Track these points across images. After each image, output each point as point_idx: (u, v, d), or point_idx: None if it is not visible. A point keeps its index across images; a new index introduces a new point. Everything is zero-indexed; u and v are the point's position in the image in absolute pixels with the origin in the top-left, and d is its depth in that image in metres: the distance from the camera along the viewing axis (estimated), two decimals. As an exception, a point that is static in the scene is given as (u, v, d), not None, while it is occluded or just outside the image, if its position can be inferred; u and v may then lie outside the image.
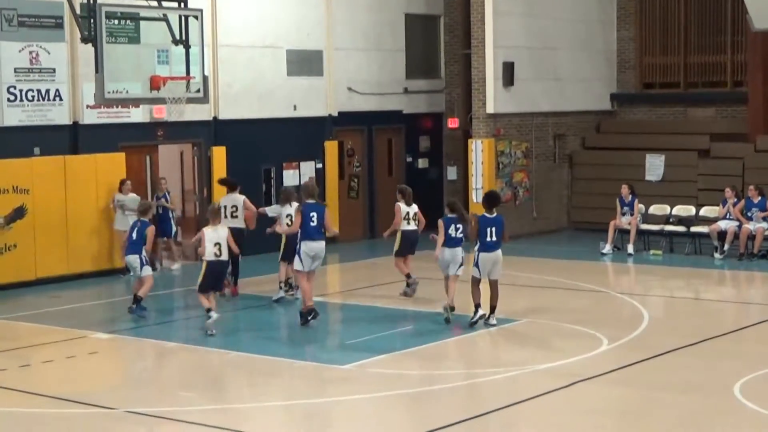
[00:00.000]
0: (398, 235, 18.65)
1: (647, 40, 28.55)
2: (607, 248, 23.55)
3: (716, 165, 25.67)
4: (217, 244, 16.06)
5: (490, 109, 25.32)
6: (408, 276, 18.69)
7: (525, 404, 12.37)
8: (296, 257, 16.66)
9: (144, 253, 17.46)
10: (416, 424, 11.81)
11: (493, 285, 16.49)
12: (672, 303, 19.24)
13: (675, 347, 14.86)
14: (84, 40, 18.13)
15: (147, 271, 17.51)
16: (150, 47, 18.56)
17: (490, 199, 16.76)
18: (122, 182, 21.12)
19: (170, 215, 22.16)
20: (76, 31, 18.71)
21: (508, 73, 25.42)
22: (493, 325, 16.37)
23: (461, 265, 16.86)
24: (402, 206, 18.64)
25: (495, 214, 16.43)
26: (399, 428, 11.66)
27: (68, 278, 20.59)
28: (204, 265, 16.18)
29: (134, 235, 17.49)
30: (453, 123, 27.78)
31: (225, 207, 18.72)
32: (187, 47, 18.53)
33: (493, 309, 16.48)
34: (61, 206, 20.52)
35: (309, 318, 16.52)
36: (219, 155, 23.14)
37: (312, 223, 16.52)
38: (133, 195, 20.93)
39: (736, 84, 27.34)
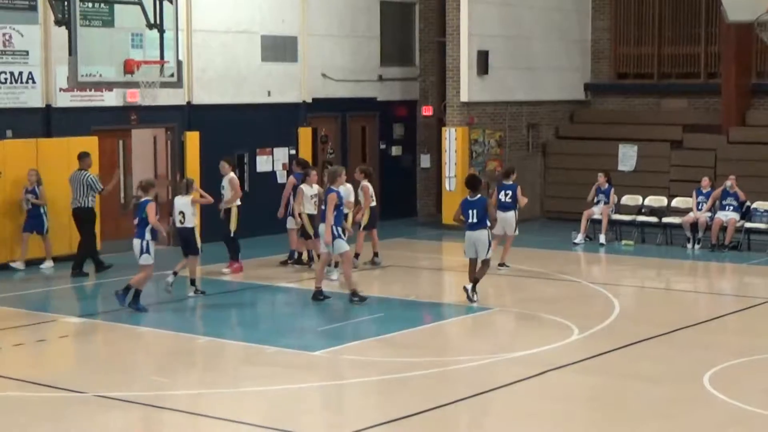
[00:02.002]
0: (368, 212, 20.39)
1: (622, 30, 28.63)
2: (580, 238, 23.61)
3: (689, 156, 25.78)
4: (181, 212, 17.60)
5: (464, 97, 25.35)
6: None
7: (496, 392, 12.42)
8: None
9: (147, 235, 16.41)
10: (387, 411, 11.81)
11: (483, 263, 17.18)
12: (643, 293, 19.32)
13: (645, 337, 14.93)
14: (58, 23, 17.98)
15: (145, 260, 16.49)
16: (124, 31, 18.44)
17: (472, 182, 17.40)
18: None
19: (41, 211, 20.23)
20: (50, 13, 18.55)
21: (483, 62, 25.46)
22: (474, 302, 16.88)
23: (515, 228, 20.31)
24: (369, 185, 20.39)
25: (477, 197, 17.12)
26: (370, 415, 11.66)
27: (41, 261, 20.46)
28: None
29: (136, 219, 16.60)
30: (427, 111, 27.77)
31: (224, 186, 20.00)
32: (161, 31, 18.42)
33: (475, 281, 17.08)
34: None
35: (320, 298, 17.35)
36: (192, 140, 23.03)
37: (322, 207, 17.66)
38: None
39: (709, 75, 27.45)
